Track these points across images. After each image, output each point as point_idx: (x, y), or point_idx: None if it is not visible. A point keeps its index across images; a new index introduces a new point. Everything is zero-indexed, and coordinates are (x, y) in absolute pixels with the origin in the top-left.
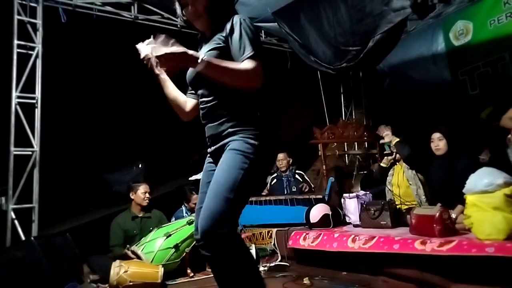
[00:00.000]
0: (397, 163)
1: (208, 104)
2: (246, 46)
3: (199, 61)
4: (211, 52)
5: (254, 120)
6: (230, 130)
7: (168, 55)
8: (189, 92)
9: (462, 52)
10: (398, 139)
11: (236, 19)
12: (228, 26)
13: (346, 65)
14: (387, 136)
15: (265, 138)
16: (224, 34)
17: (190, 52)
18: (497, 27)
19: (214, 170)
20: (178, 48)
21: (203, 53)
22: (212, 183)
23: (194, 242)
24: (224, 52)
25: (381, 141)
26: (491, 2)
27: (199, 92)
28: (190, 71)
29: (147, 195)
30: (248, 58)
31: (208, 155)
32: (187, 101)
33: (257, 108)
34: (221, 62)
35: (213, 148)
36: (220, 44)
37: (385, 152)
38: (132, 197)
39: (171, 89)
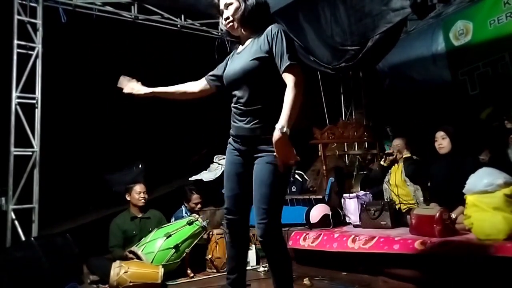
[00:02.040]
0: (396, 163)
1: (243, 108)
2: (284, 57)
3: (279, 133)
4: (254, 62)
5: None
6: (262, 136)
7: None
8: (208, 76)
9: (462, 52)
10: (408, 155)
11: (274, 30)
12: (269, 37)
13: (345, 65)
14: (398, 146)
15: None
16: (264, 46)
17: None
18: (497, 27)
19: (241, 164)
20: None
21: (245, 61)
22: (259, 195)
23: (195, 243)
24: (265, 62)
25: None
26: (491, 2)
27: (235, 93)
28: (229, 74)
29: (142, 195)
30: (288, 68)
31: (234, 149)
32: (196, 84)
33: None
34: (287, 110)
35: (244, 148)
36: (262, 55)
37: (386, 152)
38: (128, 198)
39: (172, 91)
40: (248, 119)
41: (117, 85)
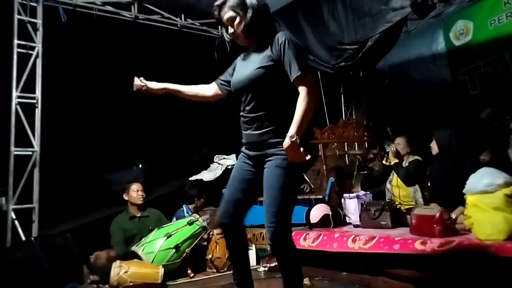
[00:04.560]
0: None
1: (251, 114)
2: (293, 67)
3: (289, 141)
4: (260, 70)
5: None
6: (270, 141)
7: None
8: (218, 81)
9: (463, 52)
10: (396, 160)
11: (282, 38)
12: (276, 46)
13: (344, 64)
14: (399, 145)
15: None
16: (272, 54)
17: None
18: (497, 27)
19: (250, 171)
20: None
21: (251, 69)
22: (269, 198)
23: (195, 243)
24: (271, 71)
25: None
26: (491, 2)
27: (242, 100)
28: (236, 81)
29: (140, 193)
30: (298, 79)
31: (245, 155)
32: (210, 87)
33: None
34: (297, 119)
35: (254, 153)
36: (268, 63)
37: (387, 150)
38: (126, 198)
39: (185, 90)
40: (255, 125)
41: (134, 88)
